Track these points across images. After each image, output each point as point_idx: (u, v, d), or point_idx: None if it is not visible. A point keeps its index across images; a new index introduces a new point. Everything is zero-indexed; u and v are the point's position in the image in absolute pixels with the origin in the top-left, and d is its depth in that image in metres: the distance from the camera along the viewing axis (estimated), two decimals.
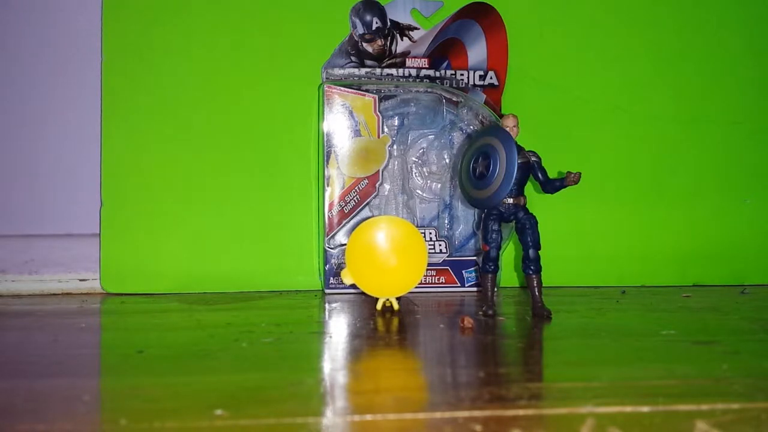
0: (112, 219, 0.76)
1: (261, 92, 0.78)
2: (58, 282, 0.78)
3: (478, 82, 0.79)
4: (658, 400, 0.39)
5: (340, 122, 0.75)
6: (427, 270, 0.75)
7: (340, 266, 0.74)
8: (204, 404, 0.38)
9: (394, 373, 0.46)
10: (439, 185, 0.78)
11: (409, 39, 0.79)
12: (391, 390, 0.41)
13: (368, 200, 0.75)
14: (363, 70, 0.78)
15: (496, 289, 0.66)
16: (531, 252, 0.63)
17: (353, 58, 0.78)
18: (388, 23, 0.79)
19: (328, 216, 0.74)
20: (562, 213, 0.81)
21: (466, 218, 0.78)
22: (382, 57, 0.79)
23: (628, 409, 0.37)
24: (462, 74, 0.79)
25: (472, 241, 0.78)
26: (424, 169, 0.78)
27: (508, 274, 0.81)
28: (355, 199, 0.75)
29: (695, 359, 0.48)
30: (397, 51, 0.79)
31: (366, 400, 0.40)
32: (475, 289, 0.77)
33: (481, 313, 0.63)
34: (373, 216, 0.70)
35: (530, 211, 0.64)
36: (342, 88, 0.75)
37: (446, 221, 0.78)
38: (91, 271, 0.78)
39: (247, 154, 0.78)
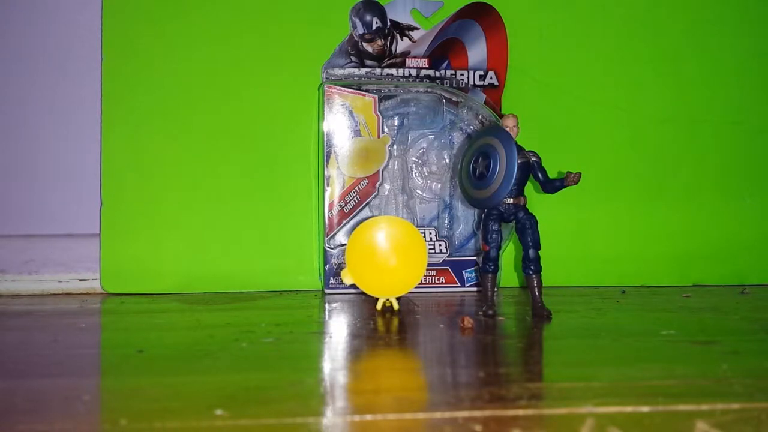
0: (112, 219, 0.76)
1: (261, 92, 0.78)
2: (58, 282, 0.78)
3: (478, 82, 0.79)
4: (658, 400, 0.39)
5: (340, 122, 0.75)
6: (427, 270, 0.75)
7: (340, 266, 0.74)
8: (204, 404, 0.38)
9: (394, 373, 0.46)
10: (439, 185, 0.78)
11: (409, 39, 0.79)
12: (391, 390, 0.41)
13: (368, 200, 0.75)
14: (363, 70, 0.78)
15: (496, 289, 0.66)
16: (531, 252, 0.63)
17: (353, 58, 0.78)
18: (388, 23, 0.79)
19: (328, 216, 0.74)
20: (562, 213, 0.81)
21: (466, 218, 0.78)
22: (382, 57, 0.79)
23: (628, 409, 0.37)
24: (462, 74, 0.79)
25: (472, 241, 0.78)
26: (424, 169, 0.78)
27: (508, 274, 0.80)
28: (355, 199, 0.75)
29: (695, 359, 0.48)
30: (397, 51, 0.79)
31: (366, 400, 0.40)
32: (475, 289, 0.77)
33: (481, 313, 0.63)
34: (373, 216, 0.70)
35: (530, 211, 0.64)
36: (342, 88, 0.75)
37: (446, 221, 0.78)
38: (91, 271, 0.78)
39: (247, 154, 0.78)
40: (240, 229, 0.77)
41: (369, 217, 0.68)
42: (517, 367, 0.47)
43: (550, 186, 0.64)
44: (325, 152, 0.74)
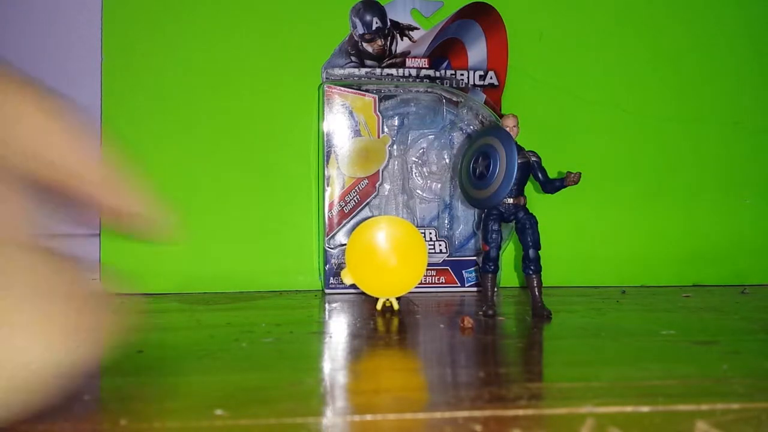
0: None
1: (261, 92, 0.78)
2: None
3: (478, 82, 0.79)
4: (658, 400, 0.39)
5: (340, 122, 0.75)
6: (427, 270, 0.75)
7: (340, 266, 0.74)
8: (204, 404, 0.38)
9: (394, 373, 0.46)
10: (439, 185, 0.78)
11: (409, 39, 0.79)
12: (391, 390, 0.41)
13: (368, 200, 0.75)
14: (363, 70, 0.78)
15: (496, 289, 0.66)
16: (531, 252, 0.63)
17: (353, 58, 0.78)
18: (388, 23, 0.79)
19: (328, 216, 0.74)
20: (562, 213, 0.81)
21: (466, 218, 0.78)
22: (382, 57, 0.79)
23: (628, 409, 0.37)
24: (462, 74, 0.79)
25: (472, 241, 0.78)
26: (424, 169, 0.78)
27: (508, 274, 0.81)
28: (355, 199, 0.75)
29: (695, 359, 0.48)
30: (397, 51, 0.79)
31: (366, 400, 0.40)
32: (475, 289, 0.77)
33: (481, 313, 0.63)
34: (373, 216, 0.70)
35: (530, 211, 0.64)
36: (342, 88, 0.75)
37: (446, 221, 0.78)
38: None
39: (248, 154, 0.78)
40: (240, 229, 0.78)
41: (369, 217, 0.68)
42: (517, 367, 0.47)
43: (550, 186, 0.64)
44: (325, 152, 0.74)
